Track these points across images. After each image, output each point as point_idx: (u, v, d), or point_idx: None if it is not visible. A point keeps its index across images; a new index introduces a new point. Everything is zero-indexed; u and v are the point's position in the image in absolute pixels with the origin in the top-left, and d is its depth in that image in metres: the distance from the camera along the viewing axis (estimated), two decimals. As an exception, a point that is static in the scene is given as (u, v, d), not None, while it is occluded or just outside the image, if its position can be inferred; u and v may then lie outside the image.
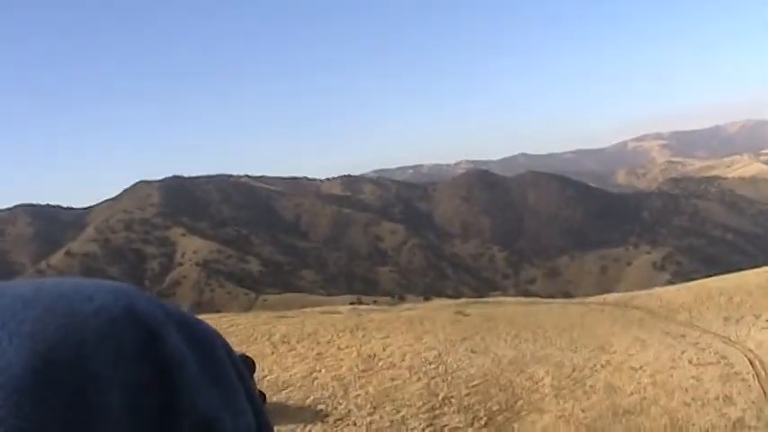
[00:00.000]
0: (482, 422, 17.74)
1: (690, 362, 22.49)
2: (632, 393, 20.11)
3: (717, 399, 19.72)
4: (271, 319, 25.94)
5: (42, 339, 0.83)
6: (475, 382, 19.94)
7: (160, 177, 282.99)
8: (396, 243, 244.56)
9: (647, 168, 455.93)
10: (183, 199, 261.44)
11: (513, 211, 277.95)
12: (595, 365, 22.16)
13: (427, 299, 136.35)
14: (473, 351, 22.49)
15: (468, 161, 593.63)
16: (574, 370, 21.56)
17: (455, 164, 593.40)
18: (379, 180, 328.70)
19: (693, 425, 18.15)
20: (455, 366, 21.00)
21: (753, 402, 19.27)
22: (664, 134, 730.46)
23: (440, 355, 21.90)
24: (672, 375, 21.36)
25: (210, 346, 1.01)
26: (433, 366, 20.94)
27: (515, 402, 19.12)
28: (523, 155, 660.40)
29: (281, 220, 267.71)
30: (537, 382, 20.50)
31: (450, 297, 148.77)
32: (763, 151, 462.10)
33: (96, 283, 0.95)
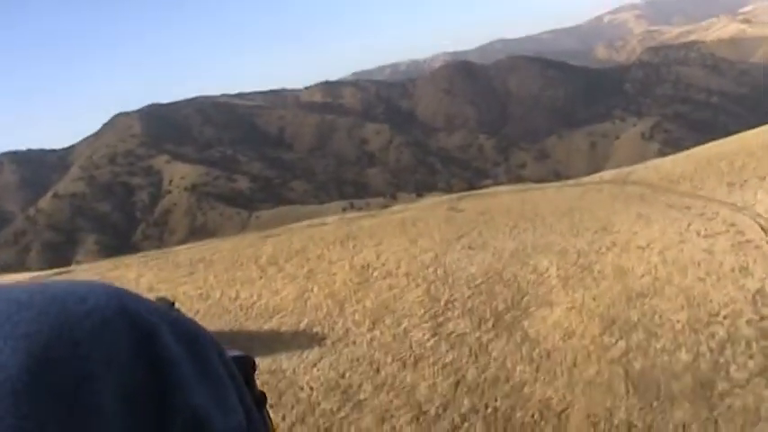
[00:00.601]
0: (489, 324, 16.70)
1: (698, 234, 21.38)
2: (643, 275, 19.04)
3: (732, 270, 18.66)
4: (256, 240, 24.74)
5: (37, 340, 0.84)
6: (477, 282, 18.85)
7: (138, 107, 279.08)
8: (382, 143, 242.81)
9: (625, 40, 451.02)
10: (164, 126, 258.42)
11: (495, 98, 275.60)
12: (600, 248, 21.05)
13: (420, 195, 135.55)
14: (471, 248, 21.35)
15: (445, 53, 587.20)
16: (579, 256, 20.46)
17: (432, 57, 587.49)
18: (359, 83, 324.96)
19: (711, 301, 17.12)
20: (454, 267, 19.88)
21: (771, 270, 18.25)
22: (638, 4, 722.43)
23: (437, 256, 20.76)
24: (682, 250, 20.27)
25: (202, 346, 1.03)
26: (431, 270, 19.83)
27: (522, 298, 18.06)
28: (500, 41, 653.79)
29: (265, 134, 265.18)
30: (542, 274, 19.41)
31: (442, 191, 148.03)
32: (741, 10, 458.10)
33: (89, 284, 0.96)
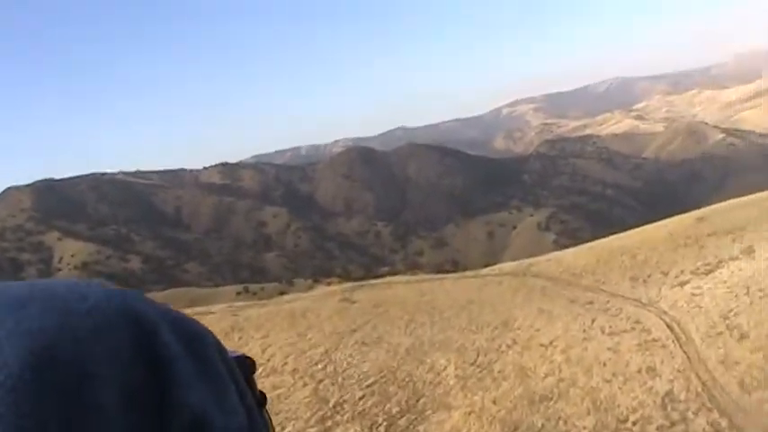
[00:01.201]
0: (381, 429, 15.25)
1: (603, 331, 20.39)
2: (546, 375, 17.86)
3: (639, 371, 17.62)
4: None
5: (39, 338, 0.85)
6: (370, 381, 17.41)
7: (30, 182, 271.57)
8: (280, 227, 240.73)
9: (523, 132, 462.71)
10: (57, 201, 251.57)
11: (395, 184, 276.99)
12: (501, 346, 19.86)
13: (316, 281, 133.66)
14: (364, 343, 19.93)
15: (346, 139, 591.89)
16: (478, 354, 19.22)
17: (333, 143, 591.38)
18: (258, 165, 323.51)
19: (619, 405, 16.00)
20: (345, 364, 18.41)
21: (679, 372, 17.23)
22: (536, 97, 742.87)
23: (327, 352, 19.26)
24: (586, 349, 19.21)
25: (202, 345, 1.03)
26: (320, 367, 18.30)
27: (418, 400, 16.66)
28: (401, 128, 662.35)
29: (162, 214, 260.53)
30: (439, 374, 18.07)
31: (339, 277, 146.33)
32: (633, 107, 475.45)
33: (90, 283, 0.97)
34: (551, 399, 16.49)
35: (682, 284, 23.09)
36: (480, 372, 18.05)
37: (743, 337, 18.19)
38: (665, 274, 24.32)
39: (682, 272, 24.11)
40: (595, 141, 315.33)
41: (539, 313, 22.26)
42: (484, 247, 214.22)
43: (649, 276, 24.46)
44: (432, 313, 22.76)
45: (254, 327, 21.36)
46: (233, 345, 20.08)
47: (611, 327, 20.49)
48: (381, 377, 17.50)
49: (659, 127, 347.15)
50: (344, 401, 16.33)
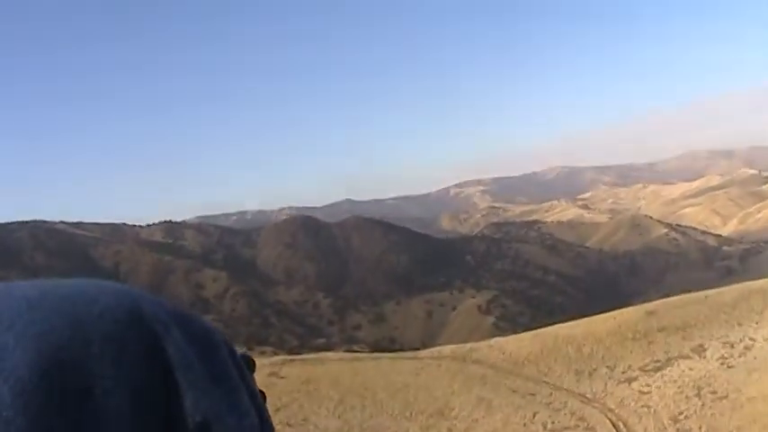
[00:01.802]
0: None
1: (545, 427, 19.07)
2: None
3: (584, 476, 16.35)
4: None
5: (48, 341, 0.85)
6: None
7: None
8: (218, 290, 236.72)
9: (469, 213, 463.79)
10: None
11: (337, 256, 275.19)
12: (436, 438, 18.48)
13: (250, 348, 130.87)
14: (289, 424, 18.37)
15: (291, 207, 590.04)
16: (410, 447, 17.81)
17: (279, 210, 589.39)
18: (202, 226, 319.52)
19: None
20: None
21: (628, 481, 15.99)
22: (484, 180, 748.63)
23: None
24: (527, 447, 17.90)
25: (213, 346, 1.03)
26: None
27: (340, 495, 15.18)
28: (348, 201, 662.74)
29: (99, 268, 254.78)
30: (367, 464, 16.62)
31: (273, 346, 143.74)
32: (579, 196, 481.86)
33: (100, 284, 0.97)
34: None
35: (629, 381, 21.94)
36: (411, 466, 16.61)
37: (695, 444, 17.03)
38: (612, 368, 23.19)
39: (629, 367, 22.99)
40: (540, 227, 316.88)
41: (478, 402, 20.93)
42: (423, 325, 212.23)
43: (595, 370, 23.31)
44: (364, 395, 21.29)
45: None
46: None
47: (553, 422, 19.20)
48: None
49: (604, 217, 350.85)
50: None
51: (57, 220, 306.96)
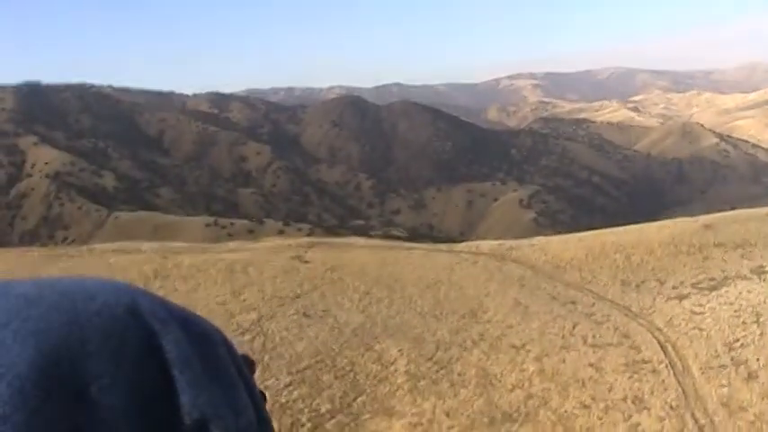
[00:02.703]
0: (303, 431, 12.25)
1: (585, 341, 17.44)
2: (514, 387, 14.90)
3: (624, 400, 14.68)
4: (42, 259, 19.59)
5: (46, 338, 0.85)
6: (302, 365, 14.41)
7: (15, 82, 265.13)
8: (261, 165, 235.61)
9: (518, 107, 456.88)
10: (40, 106, 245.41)
11: (382, 139, 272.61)
12: (466, 341, 16.87)
13: (287, 224, 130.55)
14: (307, 315, 16.90)
15: (341, 87, 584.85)
16: (438, 348, 16.22)
17: (328, 88, 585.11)
18: (249, 99, 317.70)
19: (596, 442, 13.13)
20: (278, 339, 15.37)
21: (671, 408, 14.29)
22: (537, 74, 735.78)
23: (260, 320, 16.21)
24: (564, 361, 16.24)
25: (211, 344, 1.03)
26: (247, 338, 15.26)
27: (355, 399, 13.68)
28: (397, 85, 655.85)
29: (143, 134, 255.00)
30: (387, 366, 15.09)
31: (312, 224, 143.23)
32: (631, 98, 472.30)
33: (99, 281, 0.97)
34: (516, 420, 13.58)
35: (680, 298, 20.18)
36: (437, 371, 15.07)
37: (751, 376, 15.28)
38: (662, 282, 21.41)
39: (681, 283, 21.22)
40: (589, 126, 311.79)
41: (514, 306, 19.33)
42: (462, 214, 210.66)
43: (643, 282, 21.55)
44: (392, 288, 19.75)
45: (183, 276, 18.22)
46: (152, 294, 17.06)
47: (594, 337, 17.56)
48: (317, 362, 14.50)
49: (654, 122, 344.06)
50: (265, 388, 13.25)
51: (104, 84, 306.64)
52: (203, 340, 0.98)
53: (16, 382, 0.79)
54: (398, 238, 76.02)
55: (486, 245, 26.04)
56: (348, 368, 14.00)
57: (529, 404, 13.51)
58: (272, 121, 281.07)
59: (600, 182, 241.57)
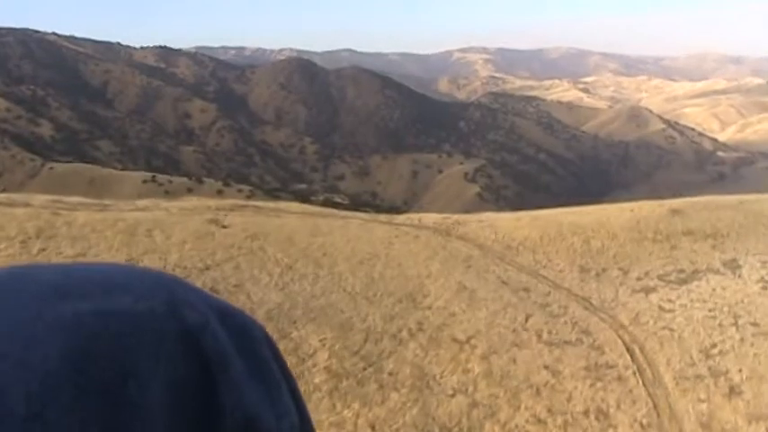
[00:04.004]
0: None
1: (539, 337, 14.98)
2: (456, 392, 12.38)
3: (586, 413, 12.25)
4: None
5: (79, 332, 0.81)
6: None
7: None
8: (205, 123, 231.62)
9: (469, 80, 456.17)
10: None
11: (330, 104, 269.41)
12: (401, 331, 14.32)
13: (227, 185, 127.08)
14: (214, 290, 14.20)
15: (292, 50, 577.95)
16: (367, 339, 13.64)
17: (278, 50, 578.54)
18: (198, 56, 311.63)
19: (553, 468, 10.73)
20: (174, 320, 12.71)
21: (642, 427, 11.93)
22: (489, 49, 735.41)
23: (156, 295, 13.56)
24: (515, 361, 13.77)
25: (254, 341, 0.98)
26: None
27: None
28: (348, 50, 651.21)
29: (87, 85, 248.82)
30: (305, 360, 12.47)
31: (253, 185, 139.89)
32: (582, 79, 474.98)
33: (132, 270, 0.92)
34: (456, 434, 11.12)
35: (646, 291, 17.83)
36: (364, 369, 12.52)
37: (733, 391, 12.95)
38: (625, 272, 19.06)
39: (646, 274, 18.89)
40: (539, 104, 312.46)
41: (458, 291, 16.83)
42: (406, 184, 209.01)
43: (604, 271, 19.18)
44: (320, 263, 17.11)
45: (72, 237, 15.35)
46: (29, 258, 14.17)
47: (550, 332, 15.13)
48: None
49: (603, 104, 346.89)
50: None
51: (49, 30, 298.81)
52: (244, 336, 0.94)
53: (48, 378, 0.75)
54: (339, 204, 73.31)
55: (430, 218, 23.47)
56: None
57: (473, 415, 11.05)
58: (220, 80, 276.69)
59: (546, 160, 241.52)
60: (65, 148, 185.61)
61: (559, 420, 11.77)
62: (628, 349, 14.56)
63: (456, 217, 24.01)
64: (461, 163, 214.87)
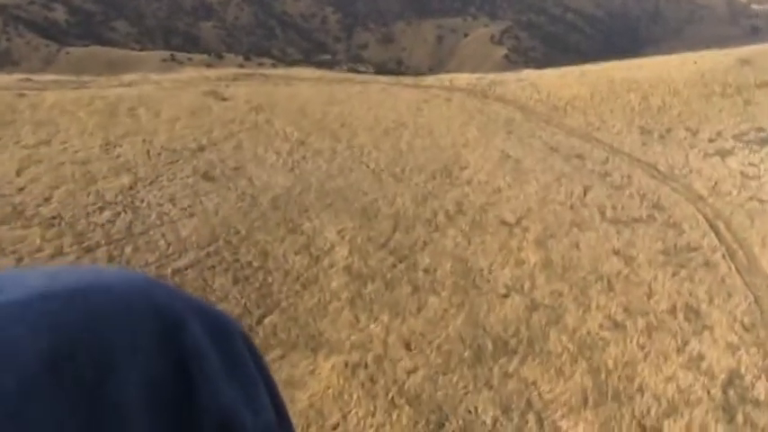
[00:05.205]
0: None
1: (603, 214, 12.38)
2: (509, 291, 9.94)
3: (672, 312, 9.74)
4: None
5: (60, 332, 0.82)
6: (185, 260, 9.40)
7: None
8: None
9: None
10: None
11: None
12: (437, 214, 11.78)
13: (247, 59, 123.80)
14: (208, 176, 11.64)
15: None
16: (396, 227, 11.12)
17: None
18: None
19: (641, 389, 8.38)
20: (154, 216, 10.18)
21: (744, 328, 9.47)
22: None
23: (135, 185, 10.97)
24: (577, 245, 11.22)
25: (230, 338, 0.98)
26: (106, 215, 10.09)
27: (262, 318, 8.73)
28: None
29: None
30: (320, 260, 10.02)
31: (275, 58, 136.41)
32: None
33: (113, 273, 0.93)
34: (515, 351, 8.71)
35: (722, 154, 15.13)
36: (394, 266, 10.06)
37: None
38: (693, 132, 16.32)
39: (719, 134, 16.16)
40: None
41: (501, 161, 14.24)
42: (432, 49, 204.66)
43: (668, 132, 16.44)
44: (337, 136, 14.52)
45: (35, 123, 12.78)
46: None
47: (615, 208, 12.55)
48: (209, 254, 9.46)
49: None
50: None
51: None
52: (221, 334, 0.94)
53: (30, 378, 0.77)
54: (363, 73, 70.20)
55: (463, 79, 20.67)
56: (257, 264, 9.04)
57: (533, 322, 8.71)
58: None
59: (575, 19, 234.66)
60: (80, 31, 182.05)
61: (641, 323, 9.35)
62: (711, 226, 12.00)
63: (492, 76, 21.10)
64: (487, 25, 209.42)
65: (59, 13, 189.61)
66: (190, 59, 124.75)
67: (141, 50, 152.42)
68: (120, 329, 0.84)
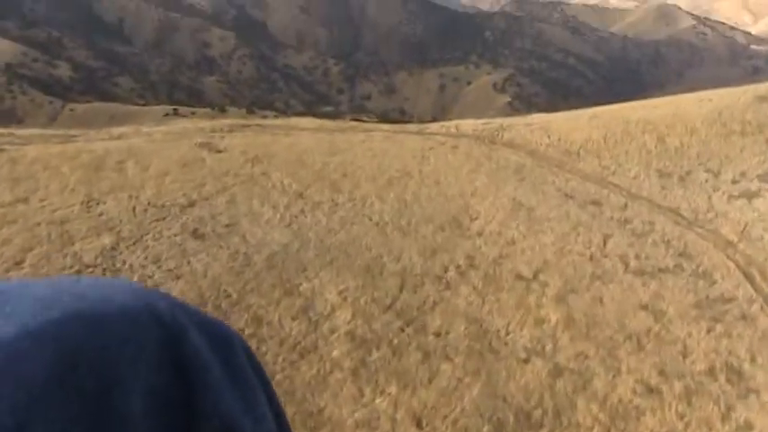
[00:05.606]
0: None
1: (626, 264, 11.43)
2: (529, 355, 9.01)
3: (711, 374, 8.86)
4: None
5: (65, 343, 0.83)
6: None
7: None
8: (225, 51, 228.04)
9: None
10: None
11: (351, 23, 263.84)
12: (447, 270, 10.85)
13: (251, 112, 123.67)
14: (198, 234, 10.77)
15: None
16: (403, 285, 10.21)
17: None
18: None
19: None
20: (136, 279, 9.30)
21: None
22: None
23: (117, 246, 10.09)
24: (601, 300, 10.27)
25: (231, 349, 1.01)
26: (94, 271, 9.21)
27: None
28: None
29: (102, 22, 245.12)
30: (319, 325, 9.11)
31: (277, 111, 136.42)
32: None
33: (116, 283, 0.95)
34: (541, 424, 7.75)
35: (748, 197, 14.23)
36: (401, 330, 9.12)
37: None
38: (716, 174, 15.41)
39: (743, 174, 15.24)
40: (564, 9, 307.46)
41: (513, 209, 13.33)
42: (435, 98, 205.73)
43: (688, 174, 15.53)
44: (338, 187, 13.62)
45: (14, 178, 11.88)
46: (-49, 207, 10.80)
47: (639, 257, 11.61)
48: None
49: (631, 4, 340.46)
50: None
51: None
52: (223, 345, 0.96)
53: (35, 389, 0.77)
54: (367, 123, 69.61)
55: (469, 125, 19.81)
56: (249, 331, 8.13)
57: (558, 389, 7.75)
58: (237, 7, 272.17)
59: (576, 64, 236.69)
60: (84, 87, 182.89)
61: (678, 387, 8.38)
62: (745, 275, 11.05)
63: (499, 121, 20.26)
64: (489, 73, 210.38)
65: (63, 70, 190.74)
66: (193, 113, 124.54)
67: (144, 105, 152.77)
68: (122, 339, 0.85)
